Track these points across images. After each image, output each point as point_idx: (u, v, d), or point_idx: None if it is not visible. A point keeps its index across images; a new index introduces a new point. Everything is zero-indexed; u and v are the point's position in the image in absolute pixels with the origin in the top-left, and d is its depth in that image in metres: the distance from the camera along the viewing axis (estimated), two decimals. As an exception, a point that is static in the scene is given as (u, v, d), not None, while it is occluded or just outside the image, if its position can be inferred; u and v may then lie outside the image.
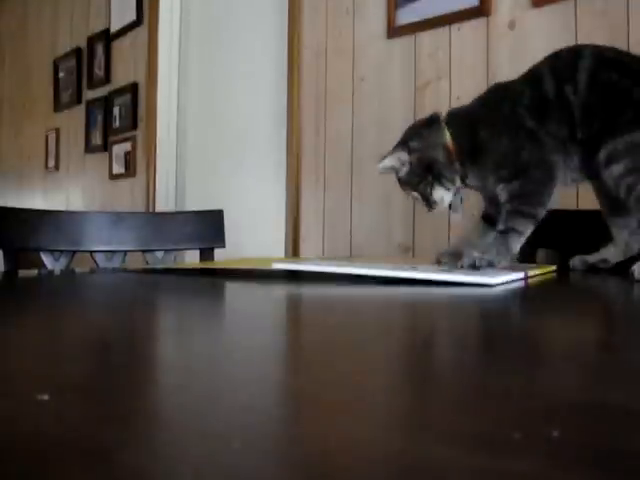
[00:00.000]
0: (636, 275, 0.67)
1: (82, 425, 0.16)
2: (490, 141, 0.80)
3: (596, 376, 0.23)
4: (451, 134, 0.83)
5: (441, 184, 0.83)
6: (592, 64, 0.76)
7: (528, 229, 0.77)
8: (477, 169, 0.82)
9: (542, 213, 0.77)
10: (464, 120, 0.84)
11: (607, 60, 0.76)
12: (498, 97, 0.83)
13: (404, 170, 0.84)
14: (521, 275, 0.70)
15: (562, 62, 0.79)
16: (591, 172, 0.78)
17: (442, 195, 0.83)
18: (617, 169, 0.72)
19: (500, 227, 0.78)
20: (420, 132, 0.85)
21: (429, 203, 0.84)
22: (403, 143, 0.85)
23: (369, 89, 1.91)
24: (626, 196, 0.72)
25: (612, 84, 0.74)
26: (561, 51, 0.81)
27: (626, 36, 1.36)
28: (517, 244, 0.77)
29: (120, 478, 0.13)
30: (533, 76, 0.81)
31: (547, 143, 0.77)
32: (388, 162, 0.84)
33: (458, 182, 0.83)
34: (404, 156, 0.83)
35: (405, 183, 0.85)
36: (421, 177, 0.83)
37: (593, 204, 0.90)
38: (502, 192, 0.79)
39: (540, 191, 0.77)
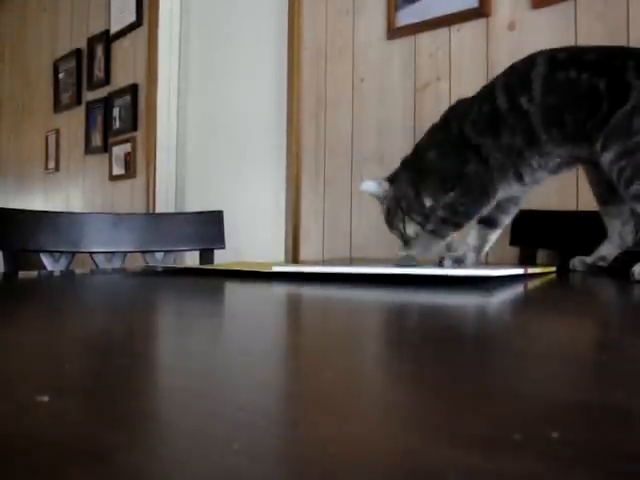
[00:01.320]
0: (636, 276, 0.68)
1: (82, 426, 0.16)
2: (437, 161, 0.85)
3: (596, 376, 0.23)
4: (412, 158, 0.88)
5: (411, 218, 0.85)
6: (545, 69, 0.79)
7: (450, 235, 0.84)
8: (430, 189, 0.85)
9: (467, 223, 0.84)
10: (419, 148, 0.89)
11: (561, 61, 0.79)
12: (450, 118, 0.87)
13: (385, 204, 0.88)
14: (521, 270, 0.71)
15: (515, 76, 0.82)
16: (577, 161, 0.82)
17: (415, 230, 0.86)
18: (609, 155, 0.73)
19: (428, 227, 0.85)
20: (401, 168, 0.89)
21: (404, 239, 0.87)
22: (390, 177, 0.89)
23: (369, 90, 1.91)
24: (617, 180, 0.73)
25: (573, 81, 0.76)
26: (515, 64, 0.84)
27: (626, 37, 1.36)
28: (436, 247, 0.85)
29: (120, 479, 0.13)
30: (487, 93, 0.84)
31: (495, 159, 0.81)
32: (367, 186, 0.88)
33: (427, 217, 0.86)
34: (386, 186, 0.87)
35: (385, 220, 0.89)
36: (395, 212, 0.87)
37: (593, 205, 0.90)
38: (441, 200, 0.85)
39: (471, 204, 0.82)
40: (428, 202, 0.86)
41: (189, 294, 0.56)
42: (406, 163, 0.89)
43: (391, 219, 0.88)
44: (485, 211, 0.84)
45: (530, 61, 0.81)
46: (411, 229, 0.86)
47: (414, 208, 0.85)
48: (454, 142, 0.84)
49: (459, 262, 0.84)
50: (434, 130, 0.89)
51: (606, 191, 0.84)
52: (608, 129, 0.74)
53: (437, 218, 0.84)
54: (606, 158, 0.74)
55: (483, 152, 0.81)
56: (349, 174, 1.95)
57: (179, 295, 0.56)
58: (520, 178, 0.83)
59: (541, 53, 0.81)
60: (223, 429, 0.16)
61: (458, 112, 0.86)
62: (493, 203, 0.84)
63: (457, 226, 0.83)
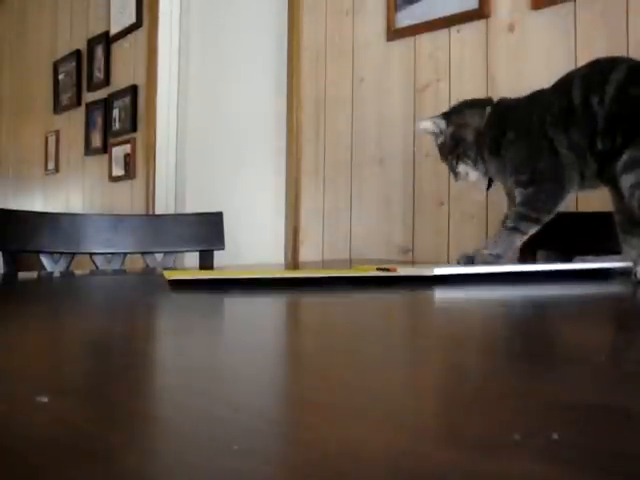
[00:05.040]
0: (638, 276, 0.67)
1: (81, 427, 0.16)
2: (514, 142, 0.86)
3: (596, 378, 0.23)
4: (487, 122, 0.89)
5: (464, 162, 0.91)
6: (623, 77, 0.76)
7: (531, 231, 0.85)
8: (496, 163, 0.88)
9: (547, 219, 0.85)
10: (502, 114, 0.90)
11: (639, 74, 0.76)
12: (534, 102, 0.87)
13: (440, 139, 0.94)
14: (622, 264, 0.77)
15: (595, 71, 0.80)
16: (608, 182, 0.81)
17: (467, 170, 0.92)
18: (629, 179, 0.72)
19: (508, 224, 0.84)
20: (465, 110, 0.93)
21: (454, 174, 0.94)
22: (447, 114, 0.94)
23: (369, 91, 1.91)
24: (638, 206, 0.71)
25: (637, 98, 0.74)
26: (599, 60, 0.82)
27: (625, 38, 1.36)
28: (519, 242, 0.85)
29: (120, 480, 0.13)
30: (565, 82, 0.84)
31: (565, 156, 0.81)
32: (425, 124, 0.94)
33: (481, 165, 0.90)
34: (442, 124, 0.92)
35: (439, 151, 0.95)
36: (451, 150, 0.92)
37: (593, 206, 0.90)
38: (518, 195, 0.86)
39: (549, 201, 0.83)
40: (491, 172, 0.90)
41: (188, 295, 0.56)
42: (483, 105, 0.91)
43: (445, 153, 0.93)
44: (562, 207, 0.83)
45: (613, 62, 0.79)
46: (463, 169, 0.92)
47: (468, 154, 0.90)
48: (533, 130, 0.83)
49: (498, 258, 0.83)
50: (521, 105, 0.88)
51: (628, 222, 0.82)
52: (634, 153, 0.72)
53: (516, 214, 0.84)
54: (626, 181, 0.73)
55: (558, 148, 0.81)
56: (349, 174, 1.95)
57: (178, 296, 0.56)
58: (582, 180, 0.82)
59: (625, 59, 0.80)
60: (223, 430, 0.16)
61: (542, 99, 0.85)
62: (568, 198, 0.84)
63: (537, 222, 0.83)
